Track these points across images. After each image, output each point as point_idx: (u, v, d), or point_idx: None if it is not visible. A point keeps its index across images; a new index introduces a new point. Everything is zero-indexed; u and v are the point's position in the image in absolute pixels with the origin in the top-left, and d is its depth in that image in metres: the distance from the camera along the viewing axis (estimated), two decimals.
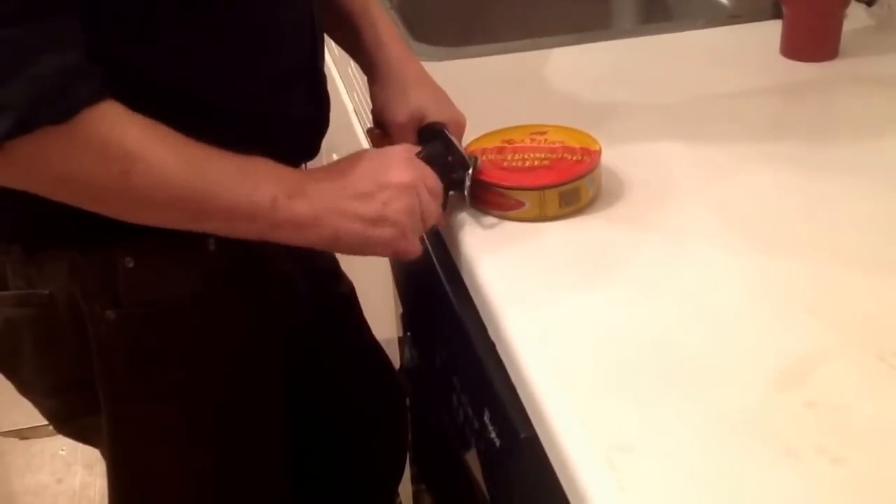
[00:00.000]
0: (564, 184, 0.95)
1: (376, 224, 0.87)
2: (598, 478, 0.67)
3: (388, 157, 0.91)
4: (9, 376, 0.99)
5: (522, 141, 1.01)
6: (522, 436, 0.78)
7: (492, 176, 0.97)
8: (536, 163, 0.98)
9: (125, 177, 0.77)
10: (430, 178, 0.92)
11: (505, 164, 0.98)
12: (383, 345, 1.28)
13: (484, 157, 0.99)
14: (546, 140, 1.01)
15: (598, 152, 0.99)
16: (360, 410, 1.24)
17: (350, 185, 0.87)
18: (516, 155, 0.99)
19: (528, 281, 0.88)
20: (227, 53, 0.86)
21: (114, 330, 0.91)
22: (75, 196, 0.79)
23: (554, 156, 0.99)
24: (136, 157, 0.77)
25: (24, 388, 1.00)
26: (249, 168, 0.83)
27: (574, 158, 0.98)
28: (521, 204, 0.96)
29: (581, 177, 0.96)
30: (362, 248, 0.89)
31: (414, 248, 0.91)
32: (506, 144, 1.01)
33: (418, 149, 0.97)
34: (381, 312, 1.37)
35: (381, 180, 0.88)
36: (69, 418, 1.01)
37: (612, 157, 1.02)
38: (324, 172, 0.90)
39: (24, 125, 0.71)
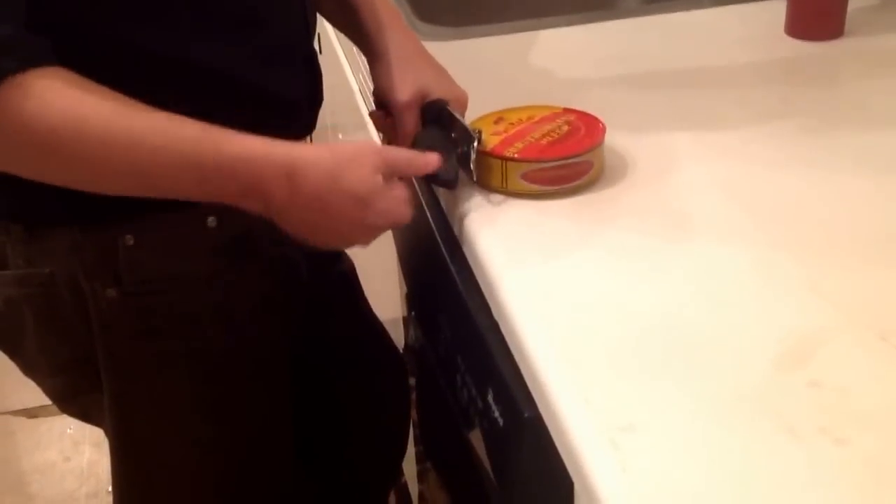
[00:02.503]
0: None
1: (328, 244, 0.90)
2: (601, 457, 0.67)
3: (351, 163, 0.85)
4: (11, 356, 0.99)
5: (521, 121, 1.01)
6: (526, 415, 0.78)
7: (547, 152, 0.96)
8: (546, 140, 0.98)
9: (48, 153, 0.76)
10: (393, 189, 0.88)
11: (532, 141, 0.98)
12: (388, 325, 1.28)
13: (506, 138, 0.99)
14: (550, 118, 1.01)
15: (603, 129, 0.99)
16: (361, 389, 1.24)
17: (309, 217, 0.85)
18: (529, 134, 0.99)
19: (532, 260, 0.88)
20: (216, 24, 0.86)
21: (115, 308, 0.91)
22: (7, 168, 0.78)
23: (561, 132, 0.99)
24: (60, 133, 0.75)
25: (27, 368, 1.00)
26: (199, 157, 0.80)
27: (580, 136, 0.98)
28: (588, 167, 0.96)
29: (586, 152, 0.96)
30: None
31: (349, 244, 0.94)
32: (508, 124, 1.01)
33: (417, 129, 0.97)
34: (386, 292, 1.37)
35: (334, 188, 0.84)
36: (72, 397, 1.01)
37: (616, 137, 1.02)
38: (288, 189, 0.83)
39: None
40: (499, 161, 0.96)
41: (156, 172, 0.80)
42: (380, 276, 1.36)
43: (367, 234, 0.89)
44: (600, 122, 1.00)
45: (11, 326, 0.95)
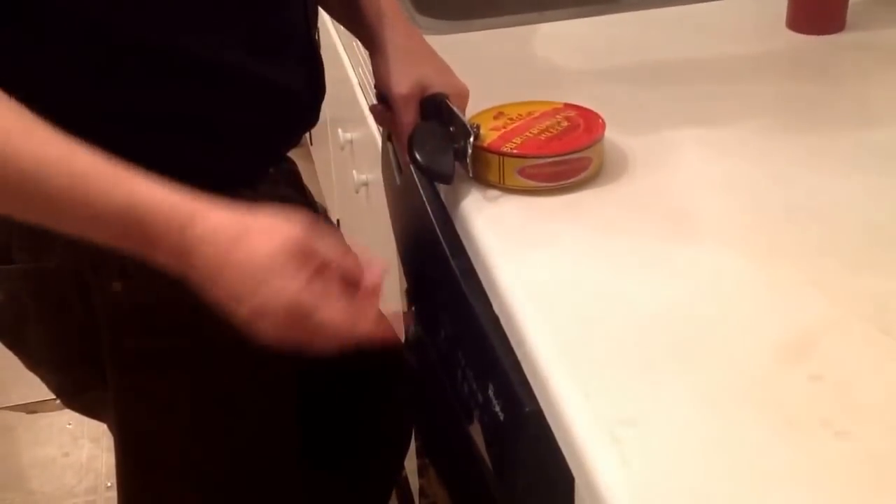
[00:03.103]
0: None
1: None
2: (602, 451, 0.67)
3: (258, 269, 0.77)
4: (15, 350, 0.99)
5: (520, 117, 1.01)
6: (527, 410, 0.78)
7: (545, 148, 0.95)
8: (545, 136, 0.97)
9: None
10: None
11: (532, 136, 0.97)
12: (388, 319, 1.28)
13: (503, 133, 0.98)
14: (550, 114, 1.01)
15: (602, 125, 0.99)
16: (364, 383, 1.24)
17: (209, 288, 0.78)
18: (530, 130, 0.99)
19: (532, 254, 0.88)
20: (211, 13, 0.85)
21: (121, 302, 0.91)
22: None
23: (560, 128, 0.98)
24: None
25: (31, 363, 1.00)
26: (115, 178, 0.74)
27: (579, 132, 0.98)
28: (587, 163, 0.96)
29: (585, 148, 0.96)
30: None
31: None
32: (507, 119, 1.01)
33: (416, 123, 0.96)
34: (386, 287, 1.36)
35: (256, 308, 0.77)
36: (76, 392, 1.01)
37: (616, 132, 1.01)
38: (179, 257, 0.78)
39: None
40: (496, 157, 0.95)
41: (42, 206, 0.75)
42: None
43: (268, 322, 0.77)
44: (600, 117, 1.00)
45: (15, 321, 0.95)
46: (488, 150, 0.96)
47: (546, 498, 0.78)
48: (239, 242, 0.75)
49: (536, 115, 1.01)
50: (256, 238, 0.75)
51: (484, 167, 0.97)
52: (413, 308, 1.21)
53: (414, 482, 1.53)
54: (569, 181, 0.96)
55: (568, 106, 1.02)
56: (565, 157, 0.95)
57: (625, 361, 0.75)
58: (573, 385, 0.73)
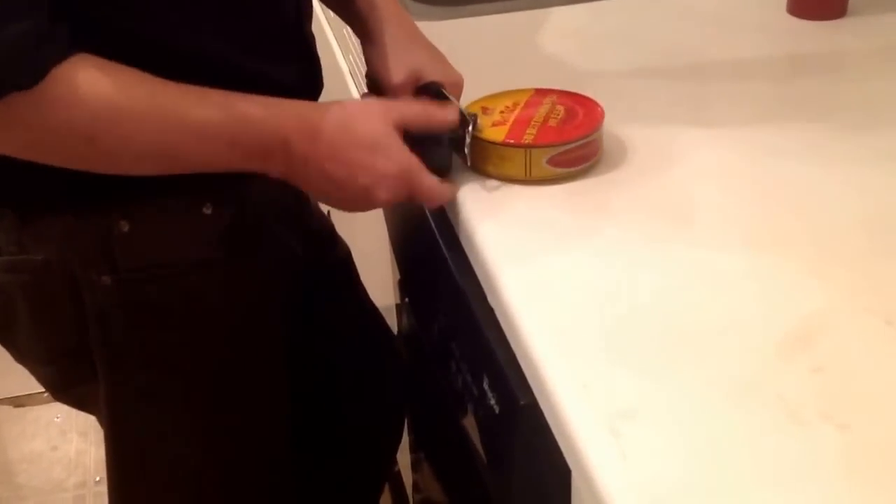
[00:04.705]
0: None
1: (353, 203, 0.89)
2: (600, 445, 0.66)
3: (372, 143, 0.88)
4: (4, 343, 0.98)
5: (509, 108, 0.99)
6: (522, 402, 0.77)
7: (566, 134, 0.94)
8: (553, 123, 0.96)
9: (91, 140, 0.78)
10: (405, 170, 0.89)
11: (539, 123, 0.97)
12: (381, 312, 1.27)
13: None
14: (536, 103, 1.00)
15: (600, 108, 0.97)
16: (357, 375, 1.23)
17: (322, 167, 0.87)
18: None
19: (528, 245, 0.87)
20: (203, 8, 0.84)
21: (110, 296, 0.90)
22: (46, 157, 0.79)
23: (560, 115, 0.97)
24: (102, 120, 0.77)
25: (21, 356, 0.98)
26: (222, 99, 0.82)
27: (580, 117, 0.97)
28: (596, 147, 0.96)
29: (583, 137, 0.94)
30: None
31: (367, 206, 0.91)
32: (500, 113, 0.99)
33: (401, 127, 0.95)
34: (379, 279, 1.35)
35: (352, 177, 0.87)
36: (66, 386, 1.00)
37: (614, 120, 1.00)
38: (308, 141, 0.86)
39: None
40: (522, 150, 0.93)
41: (189, 146, 0.82)
42: (373, 262, 1.35)
43: (383, 188, 0.88)
44: (593, 101, 0.99)
45: (3, 313, 0.93)
46: (513, 144, 0.94)
47: (542, 491, 0.77)
48: (352, 123, 0.87)
49: (524, 104, 0.99)
50: (363, 118, 0.88)
51: (504, 162, 0.95)
52: (406, 300, 1.20)
53: (407, 477, 1.52)
54: (587, 164, 0.95)
55: (544, 91, 1.01)
56: (587, 139, 0.94)
57: (622, 353, 0.74)
58: (570, 377, 0.71)
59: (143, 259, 0.90)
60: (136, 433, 0.99)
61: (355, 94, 1.43)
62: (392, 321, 1.29)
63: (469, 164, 0.96)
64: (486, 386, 0.85)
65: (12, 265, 0.90)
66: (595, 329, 0.76)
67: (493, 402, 0.83)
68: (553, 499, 0.73)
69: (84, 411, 1.04)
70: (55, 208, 0.87)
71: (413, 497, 1.51)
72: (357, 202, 0.90)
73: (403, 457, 1.43)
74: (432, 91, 0.98)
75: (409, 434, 1.35)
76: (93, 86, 0.76)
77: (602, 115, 0.97)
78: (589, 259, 0.84)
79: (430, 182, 0.90)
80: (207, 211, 0.91)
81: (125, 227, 0.88)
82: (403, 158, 0.88)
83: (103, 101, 0.77)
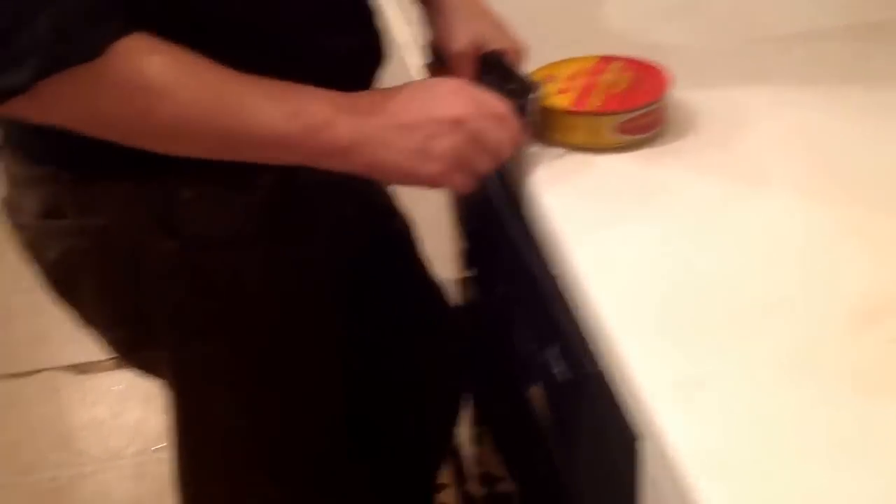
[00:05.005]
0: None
1: (420, 158, 0.84)
2: (671, 411, 0.65)
3: (439, 88, 0.87)
4: (69, 308, 0.99)
5: (575, 76, 0.98)
6: (588, 370, 0.77)
7: (633, 101, 0.94)
8: (618, 91, 0.96)
9: (149, 113, 0.77)
10: (494, 108, 0.87)
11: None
12: (443, 284, 1.26)
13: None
14: (598, 70, 0.99)
15: (665, 74, 0.97)
16: (415, 350, 1.22)
17: (394, 115, 0.84)
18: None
19: (594, 213, 0.86)
20: None
21: (170, 263, 0.90)
22: (102, 132, 0.79)
23: (626, 82, 0.97)
24: (159, 93, 0.76)
25: (85, 320, 0.99)
26: (283, 95, 0.81)
27: (647, 84, 0.96)
28: (663, 113, 0.95)
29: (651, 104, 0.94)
30: (404, 179, 0.87)
31: (462, 185, 0.87)
32: (565, 80, 0.99)
33: (474, 80, 0.94)
34: (440, 249, 1.35)
35: (428, 114, 0.84)
36: (131, 351, 1.01)
37: (681, 88, 0.98)
38: (367, 100, 0.86)
39: (50, 66, 0.71)
40: (590, 117, 0.93)
41: (248, 151, 0.82)
42: (434, 233, 1.34)
43: (458, 132, 0.84)
44: (656, 67, 0.98)
45: (69, 277, 0.94)
46: (581, 112, 0.93)
47: (608, 458, 0.77)
48: (415, 90, 0.86)
49: (589, 72, 0.98)
50: (426, 85, 0.87)
51: (569, 130, 0.94)
52: (469, 271, 1.20)
53: (467, 451, 1.52)
54: (655, 131, 0.94)
55: (609, 58, 1.00)
56: (655, 105, 0.94)
57: (690, 322, 0.73)
58: (637, 345, 0.71)
59: (203, 227, 0.90)
60: (196, 400, 1.00)
61: (414, 66, 1.43)
62: (454, 293, 1.29)
63: (534, 131, 0.95)
64: (551, 354, 0.85)
65: (76, 229, 0.91)
66: (662, 297, 0.76)
67: (558, 370, 0.83)
68: (620, 465, 0.73)
69: (149, 376, 1.05)
70: (117, 174, 0.88)
71: (474, 470, 1.51)
72: (432, 167, 0.85)
73: (464, 431, 1.43)
74: (495, 59, 0.98)
75: (472, 407, 1.35)
76: (149, 60, 0.76)
77: (669, 81, 0.96)
78: (657, 228, 0.84)
79: (497, 137, 0.87)
80: (267, 182, 0.91)
81: (187, 193, 0.89)
82: (481, 95, 0.87)
83: (159, 74, 0.76)
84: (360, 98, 0.86)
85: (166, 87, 0.76)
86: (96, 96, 0.75)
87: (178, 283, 0.91)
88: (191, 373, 0.97)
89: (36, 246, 0.94)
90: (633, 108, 0.93)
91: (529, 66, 1.00)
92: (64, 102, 0.75)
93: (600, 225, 0.85)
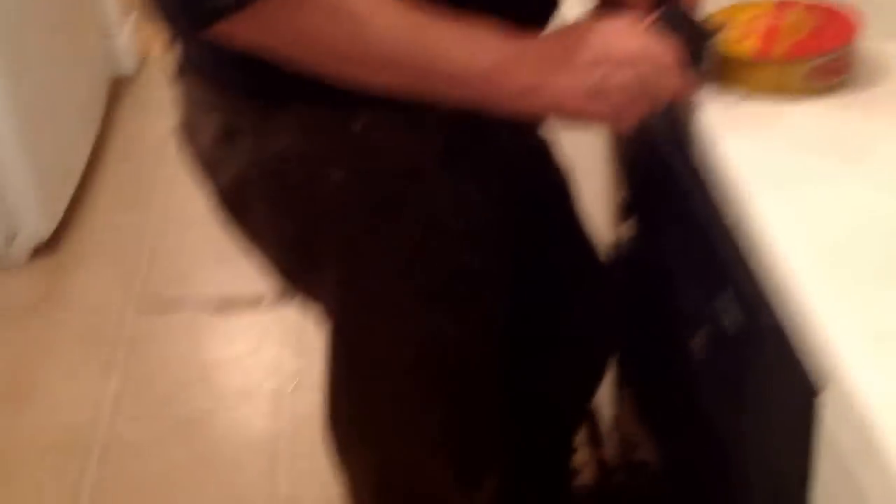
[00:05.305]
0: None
1: (592, 98, 0.84)
2: (862, 364, 0.62)
3: (612, 27, 0.86)
4: (238, 230, 1.00)
5: (752, 21, 0.95)
6: (764, 322, 0.74)
7: (822, 46, 0.90)
8: (804, 36, 0.92)
9: (353, 38, 0.80)
10: (663, 50, 0.86)
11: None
12: (598, 239, 1.24)
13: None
14: (776, 14, 0.95)
15: (853, 19, 0.92)
16: (570, 305, 1.21)
17: (570, 55, 0.84)
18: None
19: (776, 163, 0.82)
20: None
21: (340, 192, 0.91)
22: (305, 56, 0.81)
23: (809, 26, 0.93)
24: (364, 20, 0.79)
25: (250, 239, 1.01)
26: (472, 34, 0.82)
27: (833, 28, 0.92)
28: (850, 59, 0.91)
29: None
30: (575, 118, 0.87)
31: (626, 126, 0.87)
32: (745, 27, 0.95)
33: (647, 20, 0.91)
34: (598, 198, 1.32)
35: (602, 51, 0.84)
36: (294, 276, 1.02)
37: (866, 33, 0.93)
38: (544, 41, 0.87)
39: None
40: (781, 64, 0.90)
41: (441, 92, 0.84)
42: (591, 182, 1.32)
43: (640, 90, 0.84)
44: (840, 11, 0.93)
45: (241, 200, 0.96)
46: (766, 57, 0.90)
47: (779, 416, 0.74)
48: (590, 30, 0.85)
49: (767, 17, 0.95)
50: (600, 25, 0.86)
51: (752, 76, 0.91)
52: (631, 219, 1.17)
53: (607, 412, 1.49)
54: (838, 80, 0.91)
55: (796, 3, 0.96)
56: (844, 50, 0.90)
57: (880, 275, 0.70)
58: (822, 296, 0.68)
59: (373, 159, 0.90)
60: (358, 330, 1.01)
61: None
62: (609, 249, 1.26)
63: (709, 77, 0.92)
64: (719, 305, 0.82)
65: (250, 154, 0.92)
66: (846, 249, 0.73)
67: (727, 322, 0.81)
68: (794, 421, 0.70)
69: (312, 301, 1.06)
70: (295, 101, 0.89)
71: (613, 434, 1.49)
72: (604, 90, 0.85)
73: (605, 392, 1.40)
74: (670, 5, 0.95)
75: (617, 368, 1.32)
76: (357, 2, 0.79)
77: (858, 24, 0.91)
78: (840, 178, 0.80)
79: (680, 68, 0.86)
80: (441, 116, 0.91)
81: (358, 126, 0.89)
82: (652, 38, 0.86)
83: (367, 7, 0.79)
84: (540, 40, 0.87)
85: (370, 16, 0.79)
86: (307, 17, 0.78)
87: (346, 213, 0.92)
88: (356, 298, 0.98)
89: (211, 168, 0.96)
90: (824, 53, 0.89)
91: (705, 10, 0.96)
92: (276, 24, 0.79)
93: (789, 174, 0.81)
